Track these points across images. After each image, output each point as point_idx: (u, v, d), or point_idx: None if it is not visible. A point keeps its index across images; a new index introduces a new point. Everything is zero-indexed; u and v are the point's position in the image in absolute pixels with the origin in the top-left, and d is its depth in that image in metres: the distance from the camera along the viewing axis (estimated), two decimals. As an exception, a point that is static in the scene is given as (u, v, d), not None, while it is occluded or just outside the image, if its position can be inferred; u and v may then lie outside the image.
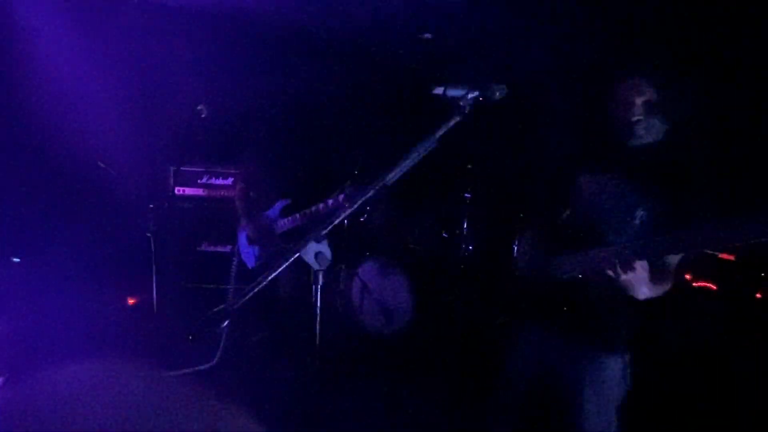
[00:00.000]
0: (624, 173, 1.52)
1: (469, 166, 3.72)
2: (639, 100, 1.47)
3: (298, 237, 2.62)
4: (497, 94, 1.24)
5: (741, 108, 2.72)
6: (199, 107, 2.84)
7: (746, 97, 2.70)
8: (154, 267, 3.07)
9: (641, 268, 1.32)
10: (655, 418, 2.44)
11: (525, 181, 3.78)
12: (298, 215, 2.52)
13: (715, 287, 2.53)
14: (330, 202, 2.39)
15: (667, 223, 1.44)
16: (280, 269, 1.04)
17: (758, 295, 2.36)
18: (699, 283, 2.55)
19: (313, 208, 2.46)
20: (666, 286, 1.44)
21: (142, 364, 0.30)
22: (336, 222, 1.12)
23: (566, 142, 1.75)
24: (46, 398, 0.27)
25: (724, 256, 2.53)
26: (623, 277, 1.33)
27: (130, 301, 3.66)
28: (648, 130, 1.48)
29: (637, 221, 1.47)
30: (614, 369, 1.52)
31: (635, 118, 1.47)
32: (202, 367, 2.86)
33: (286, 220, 2.62)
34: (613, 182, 1.53)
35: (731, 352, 2.41)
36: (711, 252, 2.57)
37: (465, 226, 3.73)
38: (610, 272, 1.36)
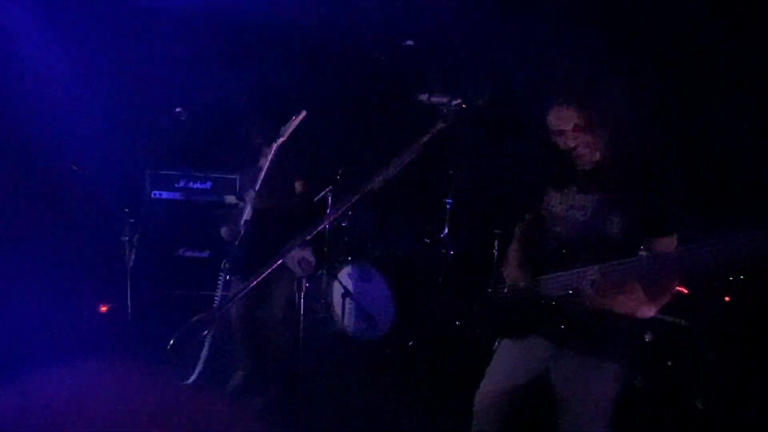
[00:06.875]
0: (588, 187, 1.52)
1: (451, 172, 3.74)
2: (568, 127, 1.45)
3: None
4: (479, 101, 1.26)
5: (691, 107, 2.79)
6: (177, 110, 2.80)
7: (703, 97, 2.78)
8: (129, 273, 2.99)
9: (631, 289, 1.29)
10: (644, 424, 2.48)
11: (503, 189, 3.83)
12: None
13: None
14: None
15: (646, 225, 1.45)
16: (263, 275, 1.02)
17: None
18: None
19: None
20: (666, 298, 1.40)
21: (145, 369, 0.30)
22: (319, 228, 1.11)
23: (535, 156, 1.74)
24: (43, 400, 0.26)
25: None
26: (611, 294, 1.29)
27: (103, 309, 3.55)
28: (590, 148, 1.46)
29: (615, 228, 1.47)
30: (608, 374, 1.52)
31: (572, 144, 1.46)
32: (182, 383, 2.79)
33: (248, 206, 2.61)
34: (579, 196, 1.54)
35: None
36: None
37: (446, 231, 3.75)
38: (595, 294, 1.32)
